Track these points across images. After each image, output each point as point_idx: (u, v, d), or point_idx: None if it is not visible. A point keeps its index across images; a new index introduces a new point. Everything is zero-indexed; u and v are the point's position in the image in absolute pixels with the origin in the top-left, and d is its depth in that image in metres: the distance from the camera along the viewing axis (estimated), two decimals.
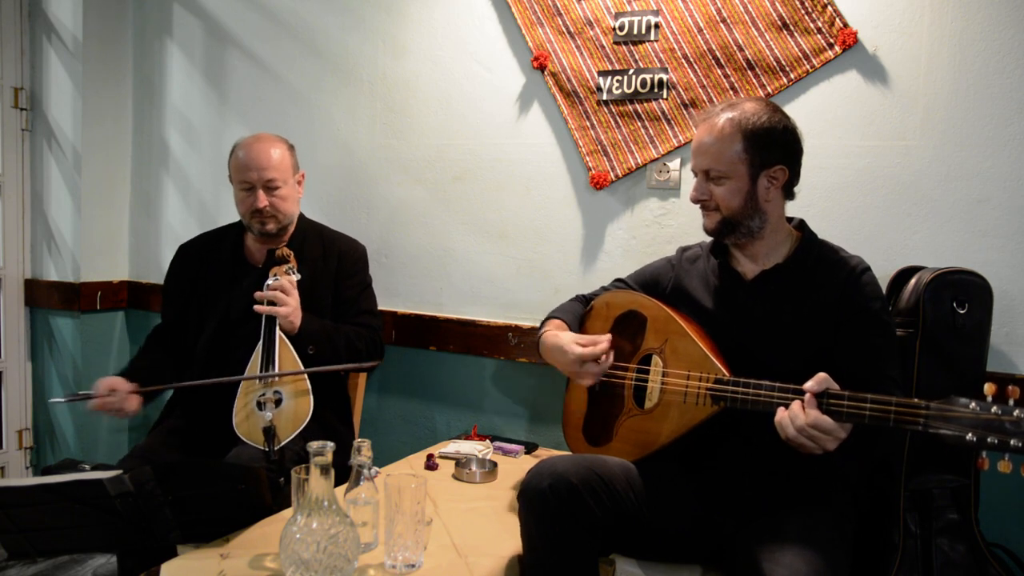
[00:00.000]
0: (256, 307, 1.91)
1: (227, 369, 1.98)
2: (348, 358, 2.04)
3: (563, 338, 1.67)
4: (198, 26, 2.82)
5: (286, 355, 1.90)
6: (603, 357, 1.62)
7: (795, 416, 1.31)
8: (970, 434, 1.15)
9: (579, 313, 1.82)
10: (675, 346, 1.59)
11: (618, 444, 1.64)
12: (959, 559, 1.66)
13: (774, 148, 1.54)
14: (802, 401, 1.31)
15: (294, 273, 1.98)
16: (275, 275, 1.96)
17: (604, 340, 1.63)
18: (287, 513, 1.61)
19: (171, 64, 2.89)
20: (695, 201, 1.61)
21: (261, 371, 1.88)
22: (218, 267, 2.12)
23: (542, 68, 2.25)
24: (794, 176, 1.59)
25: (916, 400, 1.21)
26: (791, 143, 1.57)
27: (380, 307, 2.27)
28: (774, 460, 1.51)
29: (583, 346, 1.63)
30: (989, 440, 1.13)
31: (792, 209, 1.65)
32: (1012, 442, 1.12)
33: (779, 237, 1.61)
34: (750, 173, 1.54)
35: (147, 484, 1.42)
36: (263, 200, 2.04)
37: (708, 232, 1.62)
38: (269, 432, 1.77)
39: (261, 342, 1.91)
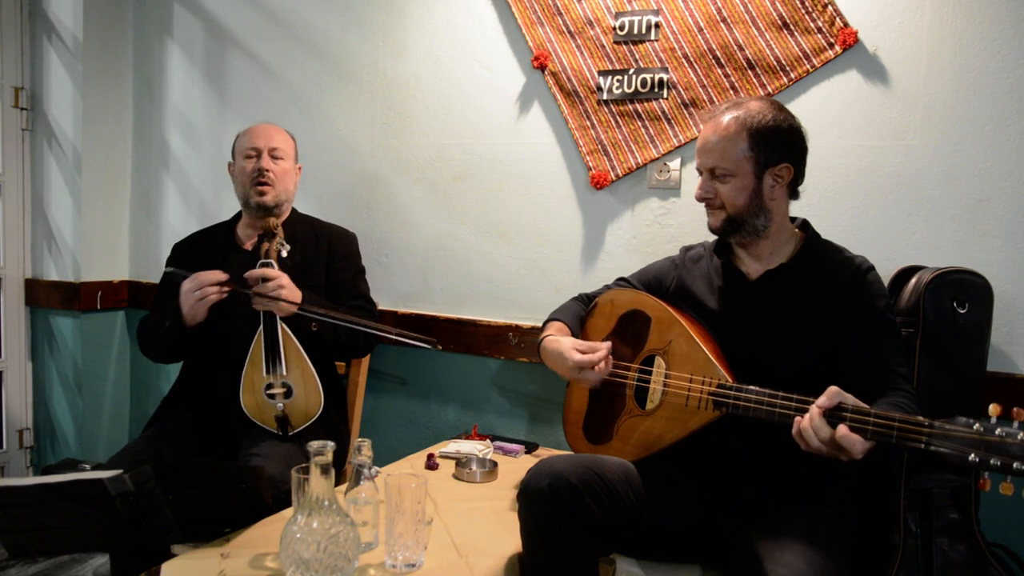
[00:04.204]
0: (254, 304, 1.90)
1: (225, 350, 2.00)
2: (349, 338, 2.06)
3: (563, 344, 1.67)
4: (198, 26, 2.82)
5: (290, 346, 1.92)
6: (602, 364, 1.62)
7: (820, 428, 1.27)
8: (973, 454, 1.14)
9: (580, 314, 1.82)
10: (678, 348, 1.59)
11: (618, 444, 1.64)
12: (959, 559, 1.66)
13: (779, 146, 1.55)
14: (820, 411, 1.27)
15: (283, 246, 1.97)
16: (266, 251, 1.95)
17: (603, 348, 1.62)
18: (287, 513, 1.61)
19: (171, 64, 2.89)
20: (700, 200, 1.61)
21: (267, 363, 1.91)
22: (211, 255, 2.14)
23: (542, 68, 2.25)
24: (799, 175, 1.60)
25: (920, 418, 1.20)
26: (796, 142, 1.57)
27: (380, 307, 2.27)
28: (774, 460, 1.51)
29: (582, 353, 1.63)
30: (992, 462, 1.12)
31: (792, 209, 1.65)
32: (1015, 465, 1.10)
33: (783, 236, 1.61)
34: (755, 171, 1.55)
35: (147, 484, 1.42)
36: (267, 161, 2.08)
37: (713, 231, 1.62)
38: (283, 420, 1.92)
39: (263, 333, 1.91)
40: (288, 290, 1.90)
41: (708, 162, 1.58)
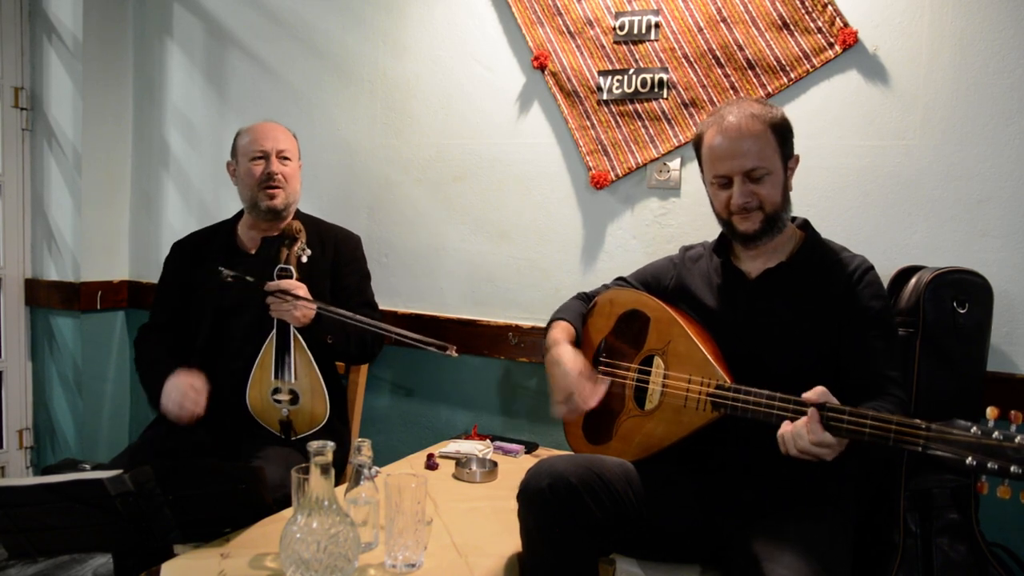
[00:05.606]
0: (271, 311, 1.87)
1: (231, 355, 2.00)
2: (358, 349, 2.06)
3: (569, 366, 1.61)
4: (198, 26, 2.82)
5: (302, 357, 1.91)
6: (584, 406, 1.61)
7: (799, 436, 1.29)
8: (970, 458, 1.14)
9: (582, 311, 1.82)
10: (677, 348, 1.59)
11: (617, 444, 1.64)
12: (959, 559, 1.66)
13: (790, 137, 1.57)
14: (806, 417, 1.30)
15: (304, 251, 1.94)
16: (286, 257, 1.92)
17: (596, 397, 1.60)
18: (287, 513, 1.61)
19: (171, 64, 2.89)
20: (743, 208, 1.53)
21: (276, 369, 1.90)
22: (211, 260, 2.09)
23: (542, 68, 2.25)
24: None
25: (917, 421, 1.20)
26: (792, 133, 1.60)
27: (381, 307, 2.27)
28: (774, 460, 1.50)
29: (583, 388, 1.59)
30: (989, 465, 1.12)
31: (792, 209, 1.65)
32: (1013, 468, 1.10)
33: (786, 235, 1.61)
34: (782, 165, 1.56)
35: (147, 484, 1.42)
36: (276, 165, 2.06)
37: (750, 235, 1.55)
38: (286, 425, 1.92)
39: (275, 340, 1.90)
40: (305, 303, 1.88)
41: (746, 164, 1.52)
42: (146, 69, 2.94)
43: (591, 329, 1.79)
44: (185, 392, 1.88)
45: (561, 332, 1.74)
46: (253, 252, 2.11)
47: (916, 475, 1.68)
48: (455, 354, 1.73)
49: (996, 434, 1.13)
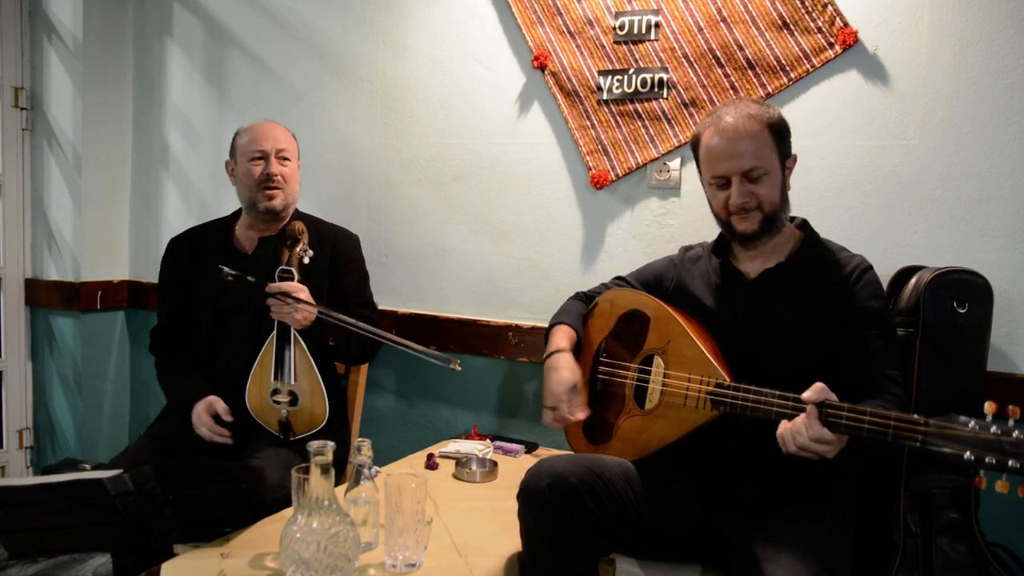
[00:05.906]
0: (272, 313, 1.87)
1: (231, 355, 2.00)
2: (359, 350, 2.06)
3: (565, 376, 1.63)
4: (198, 26, 2.82)
5: (302, 358, 1.90)
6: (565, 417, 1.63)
7: (798, 432, 1.30)
8: (968, 453, 1.14)
9: (582, 312, 1.82)
10: (677, 348, 1.59)
11: (617, 444, 1.64)
12: (959, 559, 1.66)
13: (787, 137, 1.57)
14: (805, 414, 1.30)
15: (307, 252, 1.92)
16: (288, 258, 1.91)
17: (582, 415, 1.62)
18: (287, 513, 1.61)
19: (171, 64, 2.89)
20: (742, 208, 1.53)
21: (275, 370, 1.89)
22: (207, 257, 2.09)
23: (542, 68, 2.25)
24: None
25: (915, 416, 1.21)
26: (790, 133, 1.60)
27: (381, 307, 2.27)
28: (774, 459, 1.50)
29: (572, 402, 1.62)
30: (987, 460, 1.13)
31: (792, 209, 1.65)
32: (1010, 463, 1.11)
33: (784, 235, 1.61)
34: (780, 164, 1.55)
35: (147, 484, 1.42)
36: (275, 165, 2.04)
37: (749, 235, 1.56)
38: (286, 426, 1.92)
39: (275, 339, 1.89)
40: (307, 306, 1.86)
41: (744, 164, 1.52)
42: (146, 69, 2.94)
43: (591, 329, 1.79)
44: (211, 426, 1.93)
45: (563, 337, 1.73)
46: (250, 252, 2.11)
47: (916, 475, 1.69)
48: (458, 367, 1.73)
49: (994, 428, 1.13)
